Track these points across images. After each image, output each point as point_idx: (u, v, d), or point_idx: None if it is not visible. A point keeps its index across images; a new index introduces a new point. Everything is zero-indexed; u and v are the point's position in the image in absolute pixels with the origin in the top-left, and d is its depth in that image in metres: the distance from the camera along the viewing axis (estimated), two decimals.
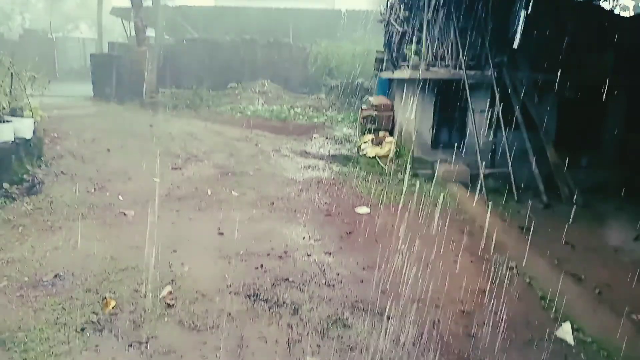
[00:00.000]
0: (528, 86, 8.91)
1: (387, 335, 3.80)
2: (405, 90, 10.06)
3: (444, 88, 9.12)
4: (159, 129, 11.43)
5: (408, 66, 9.81)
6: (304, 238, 5.79)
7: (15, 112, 7.74)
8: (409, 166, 8.95)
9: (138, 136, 10.38)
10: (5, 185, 6.70)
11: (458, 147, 9.12)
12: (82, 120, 11.72)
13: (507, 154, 8.38)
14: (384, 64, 12.28)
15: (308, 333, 3.78)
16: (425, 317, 4.10)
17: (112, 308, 4.00)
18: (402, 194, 7.68)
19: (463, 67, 8.93)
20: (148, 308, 4.03)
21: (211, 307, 4.11)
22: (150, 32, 18.39)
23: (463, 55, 9.04)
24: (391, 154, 9.92)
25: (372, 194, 7.69)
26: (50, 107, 11.16)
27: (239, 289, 4.43)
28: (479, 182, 8.18)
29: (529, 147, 8.46)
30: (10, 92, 7.94)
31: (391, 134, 10.79)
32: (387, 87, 12.07)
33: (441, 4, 9.19)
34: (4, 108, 7.60)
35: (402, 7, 11.02)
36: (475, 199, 7.63)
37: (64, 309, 3.96)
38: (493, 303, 4.36)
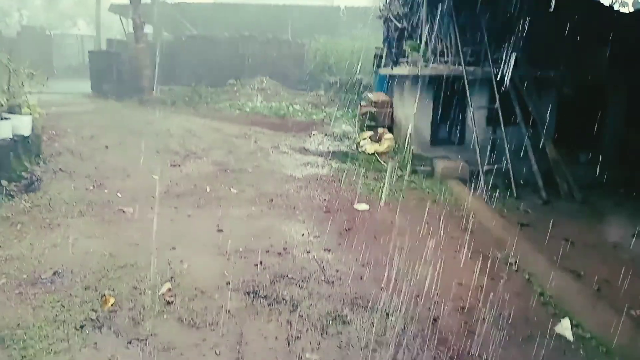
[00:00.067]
0: (527, 82, 8.90)
1: (386, 331, 3.80)
2: (404, 87, 10.05)
3: (443, 84, 9.10)
4: (157, 126, 11.40)
5: (407, 62, 9.80)
6: (303, 235, 5.79)
7: (13, 110, 7.71)
8: (408, 163, 8.94)
9: (136, 133, 10.36)
10: (4, 182, 6.69)
11: (457, 144, 9.12)
12: (81, 118, 11.69)
13: (506, 150, 8.39)
14: (383, 60, 12.25)
15: (307, 330, 3.78)
16: (424, 313, 4.10)
17: (111, 305, 3.99)
18: (401, 191, 7.68)
19: (462, 63, 8.91)
20: (147, 305, 4.02)
21: (210, 304, 4.11)
22: (148, 29, 18.36)
23: (462, 51, 9.02)
24: (390, 151, 9.92)
25: (371, 191, 7.69)
26: (48, 104, 11.14)
27: (238, 286, 4.43)
28: (478, 178, 8.19)
29: (528, 144, 8.46)
30: (8, 89, 7.93)
31: (390, 130, 10.77)
32: (386, 83, 12.04)
33: (440, 0, 9.17)
34: (1, 105, 7.58)
35: (401, 3, 10.99)
36: (475, 195, 7.63)
37: (62, 306, 3.95)
38: (492, 299, 4.37)
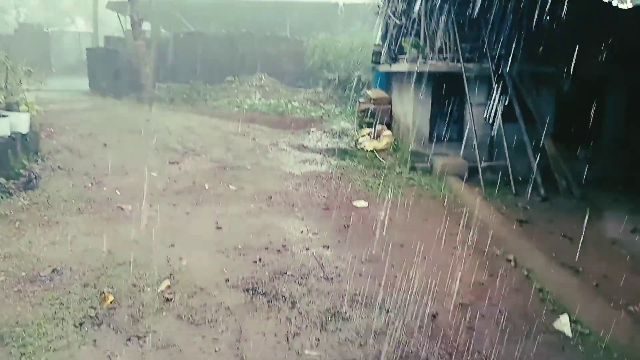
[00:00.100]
0: (526, 79, 8.89)
1: (385, 328, 3.80)
2: (403, 84, 10.04)
3: (441, 81, 9.09)
4: (155, 123, 11.38)
5: (406, 59, 9.78)
6: (302, 232, 5.79)
7: (11, 107, 7.69)
8: (406, 160, 8.94)
9: (135, 131, 10.34)
10: (2, 180, 6.67)
11: (456, 141, 9.11)
12: (79, 115, 11.65)
13: (505, 147, 8.39)
14: (382, 57, 12.23)
15: (307, 326, 3.78)
16: (423, 310, 4.10)
17: (111, 302, 3.99)
18: (400, 188, 7.68)
19: (461, 60, 8.90)
20: (146, 302, 4.02)
21: (209, 301, 4.11)
22: (146, 26, 18.28)
23: (461, 47, 9.01)
24: (389, 148, 9.92)
25: (370, 188, 7.69)
26: (46, 101, 11.12)
27: (238, 283, 4.43)
28: (477, 175, 8.19)
29: (527, 140, 8.46)
30: (6, 86, 7.90)
31: (389, 127, 10.77)
32: (385, 80, 12.03)
33: None
34: None
35: (400, 0, 10.97)
36: (473, 192, 7.64)
37: (61, 303, 3.95)
38: (491, 295, 4.38)
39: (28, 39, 25.37)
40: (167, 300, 4.08)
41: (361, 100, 12.37)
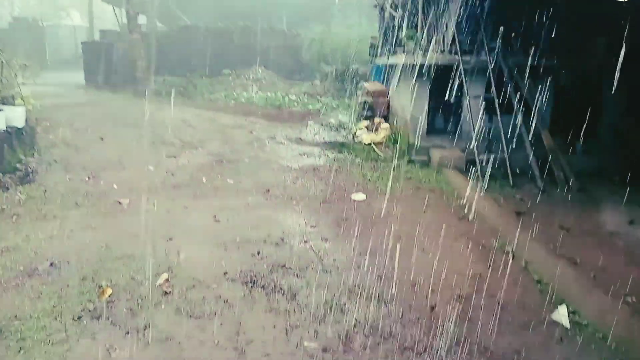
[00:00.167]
0: (524, 71, 8.88)
1: (384, 319, 3.81)
2: (400, 76, 10.00)
3: (439, 73, 9.07)
4: (152, 117, 11.33)
5: (403, 52, 9.75)
6: (300, 225, 5.78)
7: (6, 101, 7.65)
8: (404, 152, 8.93)
9: (131, 124, 10.29)
10: None
11: (454, 133, 9.10)
12: (75, 109, 11.60)
13: (503, 139, 8.39)
14: (379, 49, 12.20)
15: (306, 318, 3.79)
16: (422, 302, 4.11)
17: (109, 296, 3.98)
18: (398, 181, 7.67)
19: (459, 53, 8.87)
20: (145, 296, 4.02)
21: (208, 294, 4.10)
22: (142, 20, 18.15)
23: (458, 40, 8.98)
24: (387, 141, 9.90)
25: (367, 181, 7.69)
26: (41, 95, 11.04)
27: (236, 276, 4.43)
28: (475, 167, 8.19)
29: (525, 133, 8.46)
30: (1, 80, 7.85)
31: (387, 120, 10.75)
32: (383, 73, 12.00)
33: None
34: None
35: None
36: (471, 184, 7.64)
37: (60, 297, 3.94)
38: (489, 287, 4.38)
39: (23, 33, 25.19)
40: (166, 293, 4.08)
41: (358, 93, 12.33)
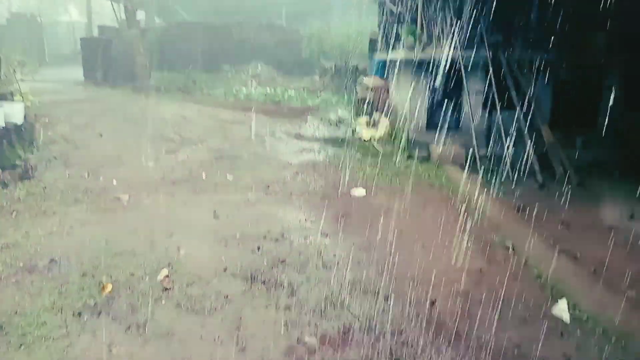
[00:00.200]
0: (523, 66, 8.86)
1: (384, 315, 3.81)
2: (400, 72, 9.98)
3: (439, 69, 9.04)
4: (151, 112, 11.30)
5: (403, 47, 9.72)
6: (300, 221, 5.78)
7: (5, 97, 7.63)
8: (404, 148, 8.92)
9: (130, 120, 10.27)
10: None
11: (453, 128, 9.09)
12: (74, 105, 11.55)
13: (503, 134, 8.38)
14: (379, 45, 12.16)
15: (306, 314, 3.79)
16: (422, 297, 4.11)
17: (109, 292, 3.98)
18: (398, 176, 7.67)
19: (458, 47, 8.85)
20: (145, 291, 4.02)
21: (209, 289, 4.10)
22: (140, 15, 18.10)
23: (458, 35, 8.95)
24: (386, 136, 9.89)
25: (367, 176, 7.67)
26: (40, 92, 11.02)
27: (236, 272, 4.43)
28: (475, 162, 8.18)
29: (524, 127, 8.44)
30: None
31: (386, 115, 10.73)
32: (382, 68, 11.96)
33: None
34: None
35: None
36: (471, 179, 7.63)
37: (60, 293, 3.94)
38: (490, 282, 4.39)
39: (21, 29, 25.05)
40: (166, 289, 4.08)
41: (358, 88, 12.31)
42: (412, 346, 3.46)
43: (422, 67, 9.06)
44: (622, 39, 8.73)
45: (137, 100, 13.25)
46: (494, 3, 9.01)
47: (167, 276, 4.28)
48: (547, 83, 9.20)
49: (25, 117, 7.78)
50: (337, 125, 11.48)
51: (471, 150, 8.42)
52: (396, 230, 5.43)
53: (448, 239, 5.37)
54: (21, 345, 3.30)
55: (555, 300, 4.15)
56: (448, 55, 8.94)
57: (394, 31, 10.74)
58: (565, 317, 3.93)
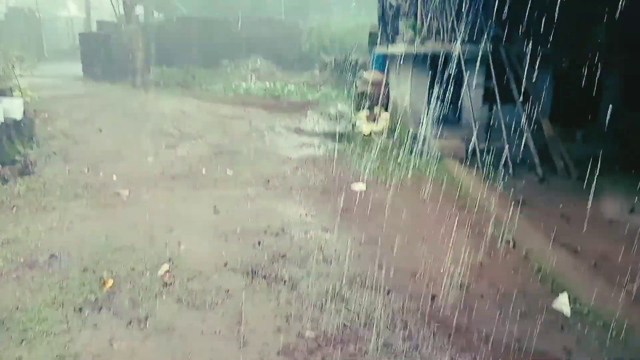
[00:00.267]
0: (524, 59, 8.82)
1: (385, 309, 3.81)
2: (400, 66, 9.96)
3: (439, 62, 9.01)
4: (151, 108, 11.29)
5: (403, 41, 9.69)
6: (300, 215, 5.78)
7: (4, 93, 7.61)
8: (404, 142, 8.90)
9: (130, 116, 10.26)
10: None
11: (453, 122, 9.07)
12: (73, 101, 11.55)
13: (503, 128, 8.36)
14: (379, 39, 12.11)
15: (307, 308, 3.79)
16: (422, 291, 4.11)
17: (110, 287, 3.98)
18: (398, 170, 7.66)
19: (458, 41, 8.81)
20: (146, 286, 4.02)
21: (209, 284, 4.11)
22: (139, 10, 18.04)
23: (458, 29, 8.91)
24: (386, 130, 9.88)
25: (367, 171, 7.67)
26: (39, 87, 11.00)
27: (237, 266, 4.43)
28: (475, 156, 8.17)
29: (524, 121, 8.42)
30: None
31: (386, 109, 10.71)
32: (382, 62, 11.93)
33: None
34: None
35: None
36: (471, 173, 7.63)
37: (61, 288, 3.94)
38: (490, 276, 4.39)
39: (19, 24, 24.98)
40: (167, 284, 4.08)
41: (358, 82, 12.29)
42: (412, 340, 3.47)
43: (422, 61, 9.02)
44: (624, 33, 8.70)
45: (136, 96, 13.23)
46: None
47: (168, 271, 4.28)
48: (547, 77, 9.17)
49: (24, 112, 7.76)
50: (337, 119, 11.47)
51: (471, 144, 8.41)
52: (397, 225, 5.44)
53: (448, 233, 5.37)
54: (22, 340, 3.30)
55: (555, 294, 4.16)
56: (448, 48, 8.92)
57: (394, 25, 10.71)
58: (566, 310, 3.94)
